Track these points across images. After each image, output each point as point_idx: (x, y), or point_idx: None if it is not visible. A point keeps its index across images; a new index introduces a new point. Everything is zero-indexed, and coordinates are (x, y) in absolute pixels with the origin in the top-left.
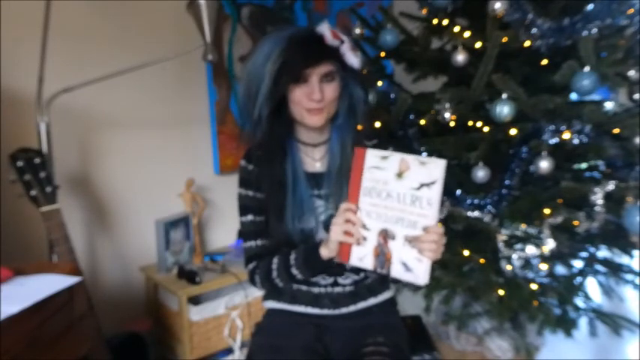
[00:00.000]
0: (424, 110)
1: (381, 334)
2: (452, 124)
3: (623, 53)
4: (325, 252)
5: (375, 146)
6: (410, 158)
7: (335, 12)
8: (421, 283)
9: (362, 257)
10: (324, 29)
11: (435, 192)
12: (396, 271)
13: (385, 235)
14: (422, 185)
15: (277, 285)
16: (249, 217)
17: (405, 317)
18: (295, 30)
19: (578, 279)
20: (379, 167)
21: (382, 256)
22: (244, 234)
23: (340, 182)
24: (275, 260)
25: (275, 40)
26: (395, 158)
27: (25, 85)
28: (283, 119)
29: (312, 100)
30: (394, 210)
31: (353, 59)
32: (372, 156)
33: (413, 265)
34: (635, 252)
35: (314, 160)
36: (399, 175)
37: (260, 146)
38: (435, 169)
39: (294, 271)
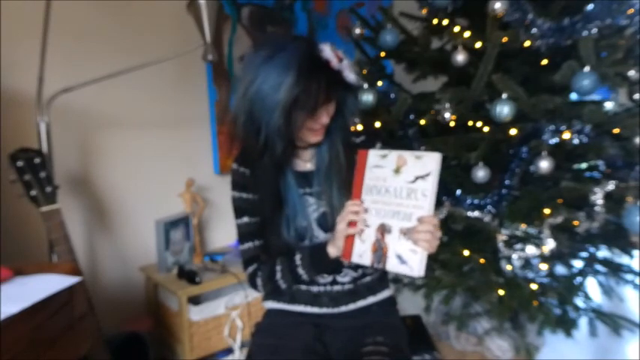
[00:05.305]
0: (424, 110)
1: (380, 333)
2: (452, 124)
3: (623, 53)
4: (333, 250)
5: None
6: (407, 154)
7: (335, 12)
8: (415, 275)
9: (361, 254)
10: (328, 54)
11: (430, 183)
12: (391, 265)
13: (383, 230)
14: (417, 178)
15: (280, 287)
16: (245, 219)
17: (405, 317)
18: (300, 54)
19: (578, 279)
20: (379, 165)
21: (380, 250)
22: (241, 236)
23: (330, 179)
24: (279, 262)
25: (283, 66)
26: (393, 155)
27: (25, 85)
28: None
29: (320, 123)
30: (391, 204)
31: (351, 76)
32: (374, 156)
33: (407, 257)
34: (635, 252)
35: (304, 161)
36: (397, 170)
37: (254, 153)
38: (429, 161)
39: (301, 271)
